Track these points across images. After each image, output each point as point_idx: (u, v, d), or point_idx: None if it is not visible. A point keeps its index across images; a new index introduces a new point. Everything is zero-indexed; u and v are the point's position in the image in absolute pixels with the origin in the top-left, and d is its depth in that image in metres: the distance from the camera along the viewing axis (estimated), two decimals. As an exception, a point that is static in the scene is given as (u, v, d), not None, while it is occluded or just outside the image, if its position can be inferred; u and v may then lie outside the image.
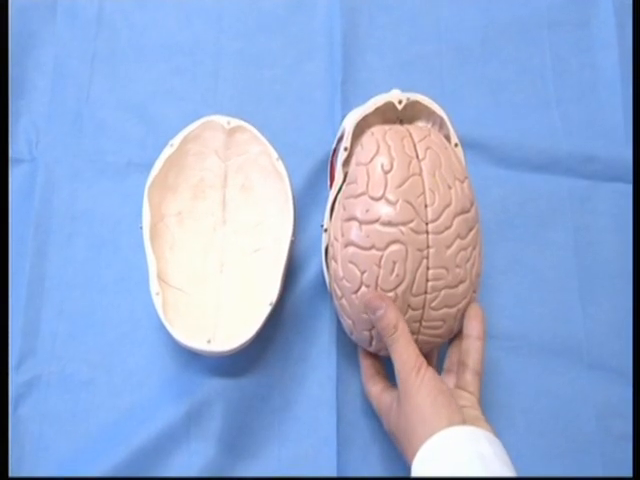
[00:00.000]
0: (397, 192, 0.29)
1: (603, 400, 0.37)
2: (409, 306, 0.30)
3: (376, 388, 0.32)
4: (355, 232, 0.30)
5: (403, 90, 0.36)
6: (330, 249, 0.32)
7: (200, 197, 0.39)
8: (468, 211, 0.31)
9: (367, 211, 0.29)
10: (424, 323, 0.31)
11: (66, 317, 0.38)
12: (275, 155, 0.36)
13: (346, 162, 0.36)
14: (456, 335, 0.33)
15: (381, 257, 0.29)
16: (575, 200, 0.38)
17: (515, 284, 0.40)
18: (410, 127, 0.33)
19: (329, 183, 0.38)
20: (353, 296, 0.30)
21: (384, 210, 0.29)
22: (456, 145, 0.36)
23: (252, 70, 0.44)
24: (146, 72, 0.44)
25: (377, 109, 0.36)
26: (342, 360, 0.38)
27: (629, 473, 0.35)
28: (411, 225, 0.29)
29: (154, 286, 0.34)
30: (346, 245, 0.30)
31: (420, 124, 0.38)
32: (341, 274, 0.31)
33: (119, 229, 0.40)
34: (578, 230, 0.41)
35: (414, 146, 0.31)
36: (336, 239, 0.32)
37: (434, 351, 0.34)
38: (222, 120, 0.37)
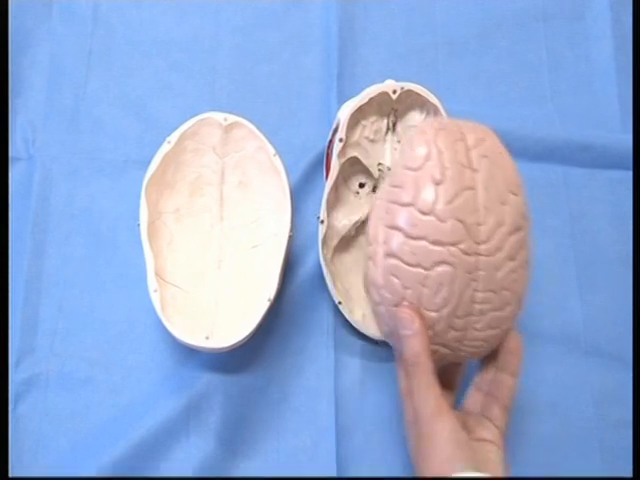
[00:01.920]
0: (448, 209, 0.26)
1: (601, 387, 0.37)
2: (452, 327, 0.27)
3: (409, 407, 0.29)
4: (399, 245, 0.26)
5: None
6: (369, 247, 0.29)
7: (198, 194, 0.38)
8: (521, 228, 0.27)
9: (414, 225, 0.26)
10: (465, 342, 0.28)
11: (64, 315, 0.37)
12: (272, 151, 0.35)
13: (341, 153, 0.35)
14: (492, 354, 0.29)
15: (427, 276, 0.26)
16: (572, 188, 0.37)
17: None
18: (463, 127, 0.28)
19: (325, 174, 0.37)
20: (393, 309, 0.27)
21: (433, 228, 0.26)
22: None
23: (249, 65, 0.43)
24: (143, 69, 0.43)
25: (372, 100, 0.35)
26: (340, 351, 0.37)
27: (627, 460, 0.34)
28: (461, 246, 0.26)
29: (152, 283, 0.33)
30: (388, 255, 0.27)
31: (415, 114, 0.36)
32: (381, 282, 0.28)
33: (117, 226, 0.39)
34: (575, 217, 0.40)
35: (468, 152, 0.27)
36: (376, 241, 0.28)
37: (458, 375, 0.31)
38: (219, 117, 0.36)
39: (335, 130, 0.36)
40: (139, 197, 0.34)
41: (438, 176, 0.26)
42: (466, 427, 0.27)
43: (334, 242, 0.37)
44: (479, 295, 0.26)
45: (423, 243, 0.26)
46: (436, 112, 0.36)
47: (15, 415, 0.35)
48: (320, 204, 0.35)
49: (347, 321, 0.36)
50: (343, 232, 0.37)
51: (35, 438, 0.35)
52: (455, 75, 0.43)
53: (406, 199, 0.26)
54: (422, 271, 0.26)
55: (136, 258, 0.34)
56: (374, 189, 0.38)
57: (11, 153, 0.40)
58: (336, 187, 0.36)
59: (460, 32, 0.44)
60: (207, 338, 0.33)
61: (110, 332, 0.37)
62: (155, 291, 0.33)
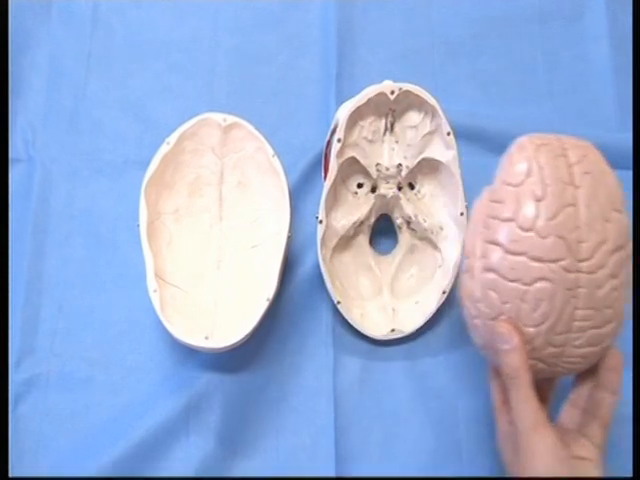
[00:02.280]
0: (549, 226, 0.25)
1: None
2: (550, 343, 0.27)
3: (503, 419, 0.29)
4: (499, 260, 0.26)
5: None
6: (465, 261, 0.29)
7: (197, 194, 0.38)
8: (624, 247, 0.27)
9: (515, 241, 0.26)
10: (563, 358, 0.28)
11: (65, 315, 0.37)
12: (271, 152, 0.35)
13: (340, 153, 0.35)
14: (589, 370, 0.29)
15: (526, 292, 0.26)
16: None
17: None
18: (565, 142, 0.28)
19: (323, 175, 0.37)
20: (490, 322, 0.27)
21: (534, 244, 0.26)
22: (448, 134, 0.35)
23: (248, 66, 0.43)
24: (142, 70, 0.43)
25: (370, 100, 0.35)
26: (338, 350, 0.37)
27: (626, 454, 0.34)
28: (562, 263, 0.26)
29: (151, 283, 0.33)
30: (487, 269, 0.27)
31: (413, 114, 0.36)
32: (479, 296, 0.27)
33: (117, 227, 0.39)
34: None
35: (570, 169, 0.27)
36: (473, 255, 0.28)
37: (551, 390, 0.31)
38: (218, 117, 0.36)
39: (333, 131, 0.36)
40: (138, 198, 0.34)
41: (539, 193, 0.26)
42: (563, 443, 0.27)
43: (333, 242, 0.37)
44: (579, 312, 0.26)
45: (523, 259, 0.26)
46: (434, 112, 0.36)
47: (16, 415, 0.35)
48: (319, 204, 0.35)
49: (346, 320, 0.36)
50: (342, 232, 0.37)
51: (36, 438, 0.35)
52: (452, 75, 0.43)
53: (507, 215, 0.26)
54: (521, 286, 0.26)
55: (136, 258, 0.34)
56: (372, 189, 0.38)
57: (11, 154, 0.40)
58: (335, 187, 0.36)
59: (457, 33, 0.44)
60: (207, 338, 0.33)
61: (110, 332, 0.37)
62: (155, 291, 0.32)
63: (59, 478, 0.33)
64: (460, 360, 0.37)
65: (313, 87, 0.42)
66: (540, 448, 0.25)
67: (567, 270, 0.25)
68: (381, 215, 0.39)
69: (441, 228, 0.37)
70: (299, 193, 0.39)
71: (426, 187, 0.38)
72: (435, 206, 0.38)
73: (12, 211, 0.39)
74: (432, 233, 0.37)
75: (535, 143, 0.27)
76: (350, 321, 0.36)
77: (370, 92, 0.35)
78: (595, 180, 0.26)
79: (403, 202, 0.38)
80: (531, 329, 0.26)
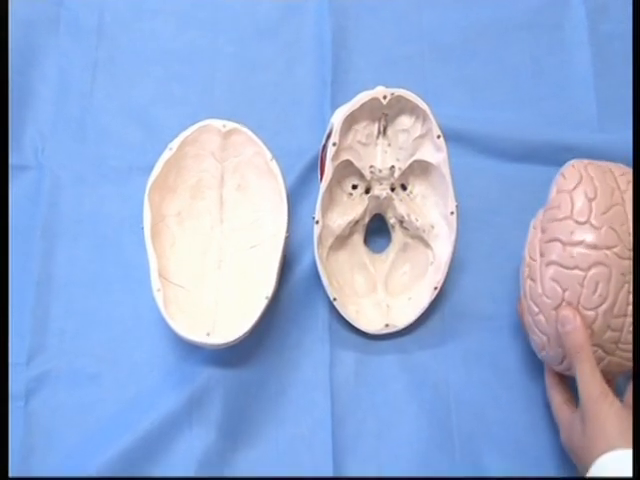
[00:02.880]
0: (602, 218, 0.29)
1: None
2: (609, 327, 0.29)
3: (559, 398, 0.32)
4: (558, 252, 0.29)
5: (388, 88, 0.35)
6: (526, 269, 0.32)
7: (198, 197, 0.38)
8: None
9: (571, 233, 0.29)
10: (620, 345, 0.30)
11: (73, 314, 0.38)
12: (269, 155, 0.36)
13: (335, 157, 0.36)
14: None
15: (584, 277, 0.29)
16: None
17: (498, 267, 0.39)
18: (609, 164, 0.32)
19: (319, 177, 0.38)
20: (553, 312, 0.30)
21: (589, 234, 0.29)
22: (439, 137, 0.36)
23: (247, 74, 0.44)
24: (145, 79, 0.44)
25: (363, 105, 0.36)
26: (335, 345, 0.38)
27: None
28: (615, 250, 0.29)
29: (155, 283, 0.33)
30: (548, 264, 0.30)
31: (404, 118, 0.37)
32: (540, 291, 0.30)
33: (122, 230, 0.40)
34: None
35: (615, 179, 0.31)
36: (533, 259, 0.31)
37: (613, 380, 0.32)
38: (218, 123, 0.37)
39: (329, 135, 0.37)
40: (143, 201, 0.34)
41: (591, 194, 0.29)
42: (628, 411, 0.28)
43: (329, 241, 0.37)
44: (631, 296, 0.29)
45: (580, 248, 0.29)
46: (425, 116, 0.36)
47: (27, 410, 0.36)
48: (315, 205, 0.36)
49: (342, 316, 0.37)
50: (337, 232, 0.38)
51: (46, 432, 0.35)
52: (442, 80, 0.43)
53: (563, 214, 0.30)
54: (580, 272, 0.28)
55: (140, 259, 0.34)
56: (367, 190, 0.39)
57: (21, 162, 0.41)
58: (330, 189, 0.37)
59: (447, 40, 0.44)
60: (208, 335, 0.33)
61: (116, 330, 0.38)
62: (158, 290, 0.33)
63: (58, 478, 0.34)
64: (451, 353, 0.37)
65: (309, 93, 0.43)
66: (610, 413, 0.27)
67: (620, 257, 0.28)
68: (375, 215, 0.40)
69: (432, 227, 0.38)
70: (296, 195, 0.40)
71: (418, 188, 0.39)
72: (426, 206, 0.39)
73: (22, 216, 0.39)
74: (424, 232, 0.38)
75: (584, 163, 0.32)
76: (346, 317, 0.37)
77: (363, 97, 0.36)
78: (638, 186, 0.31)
79: (396, 202, 0.38)
80: (591, 312, 0.29)
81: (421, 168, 0.38)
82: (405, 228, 0.39)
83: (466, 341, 0.38)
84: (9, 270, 0.38)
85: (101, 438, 0.35)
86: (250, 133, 0.36)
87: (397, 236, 0.39)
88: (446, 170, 0.36)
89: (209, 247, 0.38)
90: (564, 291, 0.29)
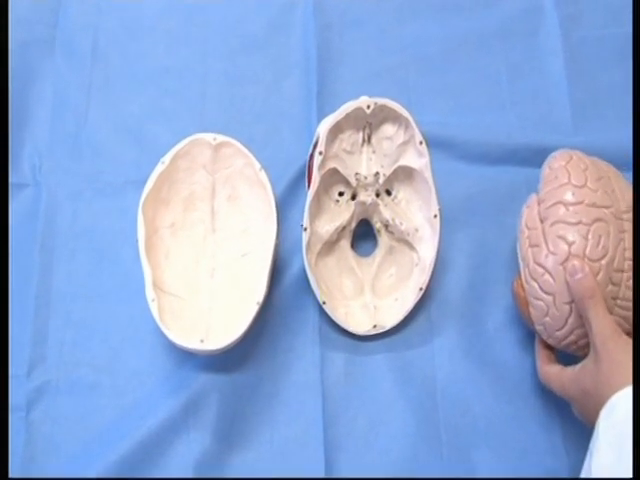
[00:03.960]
0: (596, 184, 0.32)
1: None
2: (610, 280, 0.31)
3: (555, 369, 0.33)
4: (562, 212, 0.32)
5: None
6: (525, 242, 0.34)
7: (191, 209, 0.39)
8: None
9: (572, 194, 0.32)
10: (619, 302, 0.31)
11: (72, 326, 0.39)
12: (258, 166, 0.37)
13: (321, 165, 0.37)
14: None
15: (588, 230, 0.31)
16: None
17: (480, 266, 0.40)
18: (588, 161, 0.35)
19: (307, 185, 0.39)
20: (560, 267, 0.31)
21: (588, 195, 0.32)
22: (421, 143, 0.37)
23: (236, 89, 0.45)
24: (138, 96, 0.45)
25: (348, 115, 0.37)
26: (325, 347, 0.38)
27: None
28: (611, 210, 0.31)
29: (150, 294, 0.34)
30: (552, 224, 0.32)
31: (388, 126, 0.38)
32: (546, 251, 0.32)
33: (117, 242, 0.40)
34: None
35: (599, 161, 0.35)
36: (534, 228, 0.33)
37: None
38: (208, 137, 0.37)
39: (315, 144, 0.37)
40: (137, 214, 0.35)
41: (583, 166, 0.33)
42: None
43: (317, 247, 0.38)
44: (627, 253, 0.31)
45: (582, 206, 0.31)
46: (407, 124, 0.37)
47: (28, 420, 0.36)
48: (303, 213, 0.36)
49: (331, 319, 0.37)
50: (325, 237, 0.38)
51: (47, 440, 0.36)
52: (424, 89, 0.44)
53: (562, 181, 0.33)
54: (583, 226, 0.31)
55: (136, 271, 0.35)
56: (353, 197, 0.40)
57: (20, 180, 0.41)
58: (318, 197, 0.37)
59: (427, 51, 0.45)
60: (202, 341, 0.34)
61: (113, 340, 0.38)
62: (153, 300, 0.34)
63: (58, 479, 0.34)
64: (437, 351, 0.38)
65: (296, 105, 0.44)
66: (627, 349, 0.27)
67: (615, 216, 0.31)
68: (361, 220, 0.40)
69: (417, 230, 0.38)
70: (285, 203, 0.40)
71: (402, 193, 0.40)
72: (411, 210, 0.39)
73: (21, 232, 0.40)
74: (408, 235, 0.39)
75: (568, 152, 0.35)
76: (335, 320, 0.37)
77: (348, 107, 0.36)
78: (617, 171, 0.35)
79: (381, 207, 0.39)
80: (595, 264, 0.31)
81: (405, 174, 0.39)
82: (390, 232, 0.40)
83: (451, 339, 0.38)
84: (9, 284, 0.38)
85: (101, 444, 0.35)
86: (239, 145, 0.37)
87: (383, 240, 0.40)
88: (428, 175, 0.37)
89: (202, 256, 0.38)
90: (570, 245, 0.31)
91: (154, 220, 0.37)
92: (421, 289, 0.37)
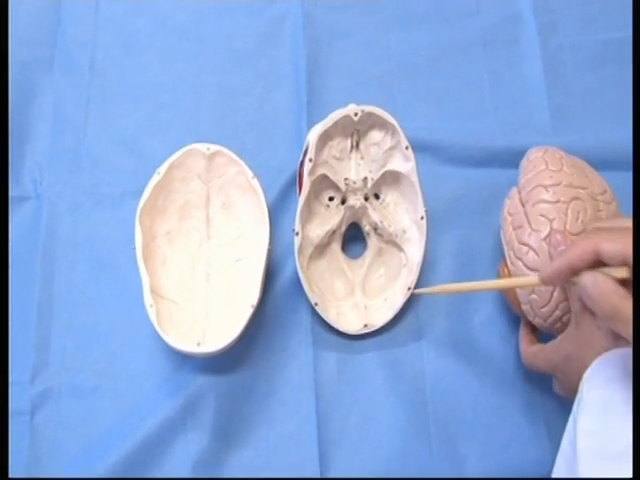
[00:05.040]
0: (572, 168, 0.34)
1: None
2: None
3: (537, 347, 0.33)
4: (543, 193, 0.34)
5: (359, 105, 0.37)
6: (508, 228, 0.35)
7: (186, 217, 0.40)
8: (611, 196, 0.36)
9: (550, 177, 0.34)
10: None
11: (73, 332, 0.39)
12: (250, 174, 0.37)
13: (312, 172, 0.37)
14: None
15: (567, 207, 0.33)
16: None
17: (465, 265, 0.41)
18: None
19: (298, 191, 0.39)
20: (543, 243, 0.32)
21: (565, 177, 0.34)
22: (407, 148, 0.38)
23: (229, 101, 0.46)
24: (135, 110, 0.45)
25: (336, 123, 0.37)
26: (318, 347, 0.39)
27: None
28: (587, 191, 0.34)
29: (148, 299, 0.35)
30: (534, 204, 0.34)
31: (375, 132, 0.39)
32: (529, 230, 0.33)
33: (116, 251, 0.41)
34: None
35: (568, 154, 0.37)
36: (517, 213, 0.35)
37: None
38: (202, 147, 0.38)
39: (305, 152, 0.38)
40: (135, 224, 0.36)
41: (558, 155, 0.35)
42: None
43: (309, 251, 0.39)
44: None
45: (560, 186, 0.33)
46: (394, 130, 0.38)
47: (32, 424, 0.37)
48: (295, 218, 0.37)
49: (323, 320, 0.38)
50: (317, 241, 0.39)
51: (51, 444, 0.36)
52: (410, 96, 0.45)
53: (539, 169, 0.34)
54: (562, 205, 0.33)
55: (134, 278, 0.36)
56: (342, 201, 0.40)
57: (21, 194, 0.42)
58: (308, 202, 0.38)
59: (412, 59, 0.46)
60: (199, 344, 0.34)
61: (113, 345, 0.39)
62: (151, 306, 0.34)
63: (57, 479, 0.35)
64: (425, 348, 0.39)
65: (287, 115, 0.45)
66: (634, 308, 0.24)
67: (591, 197, 0.34)
68: (351, 224, 0.41)
69: (404, 232, 0.39)
70: (277, 209, 0.41)
71: (390, 196, 0.41)
72: (398, 213, 0.40)
73: (23, 243, 0.41)
74: (397, 237, 0.39)
75: (544, 146, 0.37)
76: (327, 320, 0.38)
77: (336, 115, 0.37)
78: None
79: (370, 211, 0.40)
80: (575, 237, 0.32)
81: (392, 178, 0.40)
82: (379, 234, 0.40)
83: (439, 336, 0.39)
84: (12, 293, 0.39)
85: (103, 446, 0.36)
86: (232, 154, 0.38)
87: (372, 242, 0.41)
88: (415, 178, 0.38)
89: (198, 263, 0.39)
90: (551, 221, 0.33)
91: (151, 229, 0.38)
92: (409, 288, 0.38)
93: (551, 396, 0.33)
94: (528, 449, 0.36)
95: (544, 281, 0.28)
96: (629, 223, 0.27)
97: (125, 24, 0.47)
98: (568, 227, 0.32)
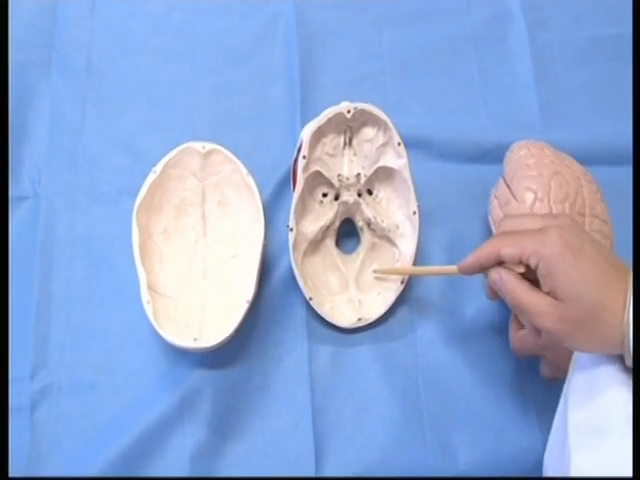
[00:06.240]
0: (553, 152, 0.36)
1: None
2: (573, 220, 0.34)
3: (524, 330, 0.33)
4: (525, 169, 0.35)
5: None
6: (495, 210, 0.37)
7: (183, 214, 0.40)
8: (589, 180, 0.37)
9: (532, 156, 0.36)
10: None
11: (72, 329, 0.39)
12: (245, 171, 0.37)
13: (305, 168, 0.38)
14: None
15: (550, 179, 0.34)
16: None
17: (457, 258, 0.40)
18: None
19: (292, 188, 0.39)
20: (528, 211, 0.34)
21: (546, 156, 0.36)
22: (399, 144, 0.38)
23: (223, 99, 0.46)
24: (131, 110, 0.45)
25: (329, 120, 0.37)
26: (312, 341, 0.39)
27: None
28: (568, 170, 0.35)
29: (145, 296, 0.35)
30: (519, 180, 0.35)
31: (367, 129, 0.39)
32: (516, 203, 0.35)
33: (113, 249, 0.41)
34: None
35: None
36: (504, 194, 0.36)
37: None
38: (198, 145, 0.38)
39: (299, 149, 0.38)
40: (132, 222, 0.36)
41: (540, 145, 0.36)
42: None
43: (303, 246, 0.39)
44: (588, 203, 0.35)
45: (542, 163, 0.35)
46: (386, 127, 0.38)
47: (33, 420, 0.37)
48: (289, 214, 0.37)
49: (318, 314, 0.38)
50: (311, 237, 0.39)
51: (51, 439, 0.36)
52: (402, 93, 0.46)
53: (523, 153, 0.36)
54: (546, 178, 0.34)
55: (131, 275, 0.36)
56: (336, 197, 0.41)
57: (20, 193, 0.42)
58: (302, 198, 0.38)
59: (404, 57, 0.47)
60: (195, 340, 0.34)
61: (111, 341, 0.39)
62: (148, 302, 0.34)
63: (57, 478, 0.35)
64: (418, 340, 0.39)
65: (281, 113, 0.45)
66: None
67: (573, 174, 0.35)
68: (345, 219, 0.41)
69: (397, 227, 0.39)
70: (272, 206, 0.41)
71: (382, 192, 0.41)
72: (391, 208, 0.40)
73: (22, 242, 0.41)
74: (389, 232, 0.39)
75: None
76: (322, 314, 0.38)
77: (329, 113, 0.37)
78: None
79: (363, 207, 0.40)
80: (559, 205, 0.33)
81: (385, 174, 0.40)
82: (372, 229, 0.41)
83: (432, 328, 0.39)
84: (11, 292, 0.39)
85: (102, 440, 0.36)
86: (227, 152, 0.38)
87: (365, 237, 0.41)
88: (407, 174, 0.38)
89: (194, 259, 0.39)
90: (535, 192, 0.34)
91: (148, 226, 0.38)
92: (402, 282, 0.38)
93: (542, 387, 0.33)
94: (519, 439, 0.36)
95: (460, 271, 0.32)
96: (532, 224, 0.29)
97: (120, 25, 0.47)
98: (552, 196, 0.33)
